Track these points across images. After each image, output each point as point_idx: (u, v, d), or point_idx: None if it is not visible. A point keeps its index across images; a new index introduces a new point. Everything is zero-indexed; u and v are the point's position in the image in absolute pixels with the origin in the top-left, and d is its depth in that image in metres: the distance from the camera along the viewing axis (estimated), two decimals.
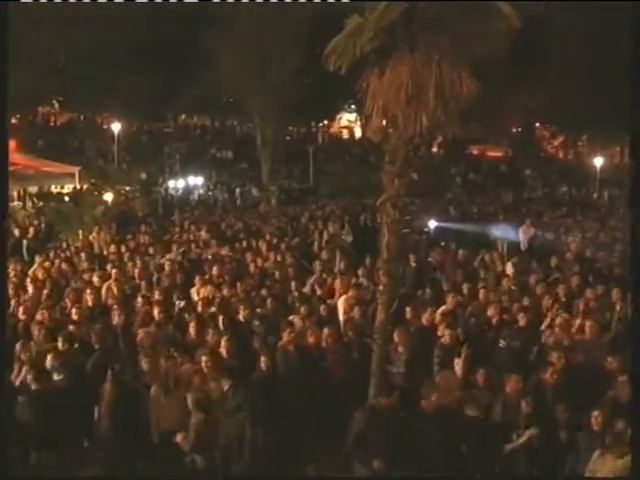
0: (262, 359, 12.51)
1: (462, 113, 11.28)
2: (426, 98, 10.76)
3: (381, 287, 12.14)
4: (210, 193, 54.57)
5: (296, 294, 17.38)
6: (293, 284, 18.10)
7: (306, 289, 18.04)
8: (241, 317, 15.07)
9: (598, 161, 52.79)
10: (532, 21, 10.81)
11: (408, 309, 15.23)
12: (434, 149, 55.75)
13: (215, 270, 19.39)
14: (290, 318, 14.83)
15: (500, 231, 29.89)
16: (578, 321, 14.84)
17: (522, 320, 14.98)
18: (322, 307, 16.05)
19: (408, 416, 10.82)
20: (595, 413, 10.40)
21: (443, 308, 15.67)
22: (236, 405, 11.27)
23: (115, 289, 17.32)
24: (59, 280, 19.06)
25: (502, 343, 13.79)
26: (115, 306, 15.36)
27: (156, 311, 15.06)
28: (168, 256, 21.79)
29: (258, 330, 14.37)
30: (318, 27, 40.89)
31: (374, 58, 11.20)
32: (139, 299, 16.25)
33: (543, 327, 15.00)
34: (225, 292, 17.19)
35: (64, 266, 21.00)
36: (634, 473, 9.29)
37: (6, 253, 17.29)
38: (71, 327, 14.20)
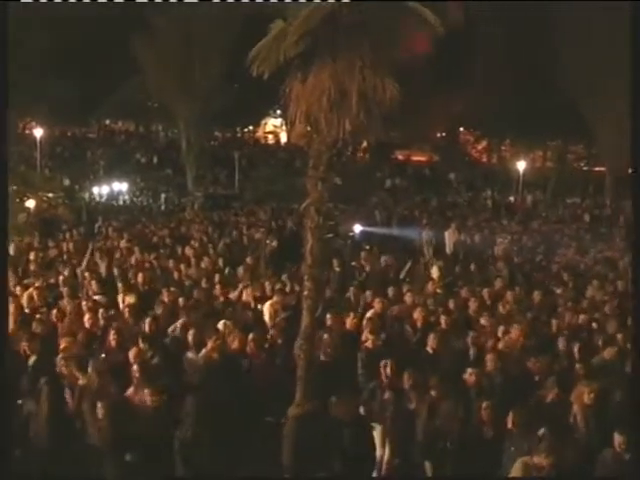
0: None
1: (386, 118, 11.30)
2: (349, 103, 10.77)
3: (305, 292, 12.11)
4: (135, 199, 54.14)
5: (222, 300, 17.29)
6: (218, 290, 18.00)
7: (231, 295, 17.93)
8: (179, 325, 14.97)
9: (521, 165, 53.54)
10: (455, 27, 10.84)
11: (334, 314, 15.30)
12: (359, 154, 55.89)
13: (140, 277, 19.20)
14: (216, 325, 14.75)
15: (425, 235, 30.16)
16: (503, 325, 15.09)
17: (444, 323, 15.16)
18: (247, 313, 16.00)
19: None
20: (511, 413, 10.56)
21: (369, 312, 15.74)
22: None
23: (37, 298, 17.00)
24: None
25: (429, 347, 13.93)
26: (37, 315, 15.11)
27: (85, 319, 14.89)
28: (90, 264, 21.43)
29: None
30: (243, 32, 40.89)
31: (297, 63, 11.16)
32: (64, 307, 16.03)
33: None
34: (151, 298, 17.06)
35: None
36: (634, 473, 9.47)
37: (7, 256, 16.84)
38: None
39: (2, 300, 12.06)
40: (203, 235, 28.62)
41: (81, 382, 11.75)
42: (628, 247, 20.55)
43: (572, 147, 72.81)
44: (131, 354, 12.78)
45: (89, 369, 12.05)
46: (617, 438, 9.92)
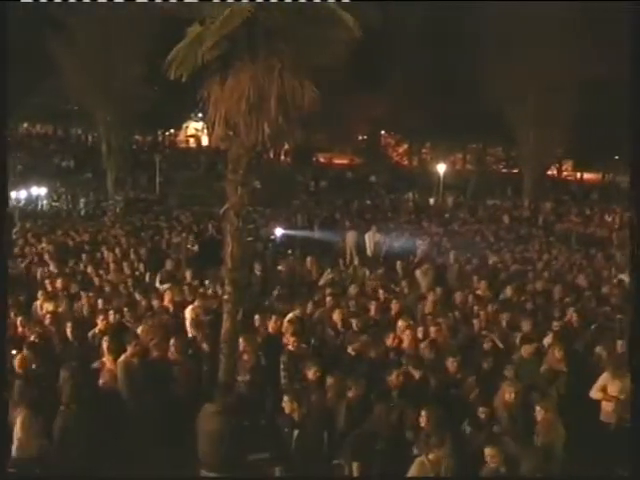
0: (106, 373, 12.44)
1: (306, 121, 11.34)
2: (267, 106, 10.78)
3: (226, 296, 12.11)
4: (54, 204, 53.28)
5: (142, 304, 17.14)
6: (138, 295, 17.84)
7: (152, 300, 17.76)
8: (97, 330, 14.80)
9: (441, 167, 54.00)
10: (376, 31, 10.91)
11: (256, 317, 15.30)
12: (281, 157, 55.87)
13: (59, 283, 18.93)
14: (136, 330, 14.61)
15: (346, 237, 30.29)
16: (424, 326, 15.20)
17: (356, 325, 15.25)
18: (168, 318, 15.90)
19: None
20: (423, 413, 10.62)
21: (290, 315, 15.74)
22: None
23: None
24: None
25: (350, 349, 13.97)
26: None
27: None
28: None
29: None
30: (162, 34, 40.51)
31: (216, 66, 11.14)
32: None
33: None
34: (70, 306, 16.84)
35: None
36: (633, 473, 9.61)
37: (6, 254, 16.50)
38: None
39: (2, 302, 11.93)
40: (124, 240, 28.26)
41: None
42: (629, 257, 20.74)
43: (491, 150, 73.90)
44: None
45: None
46: (487, 451, 9.85)
